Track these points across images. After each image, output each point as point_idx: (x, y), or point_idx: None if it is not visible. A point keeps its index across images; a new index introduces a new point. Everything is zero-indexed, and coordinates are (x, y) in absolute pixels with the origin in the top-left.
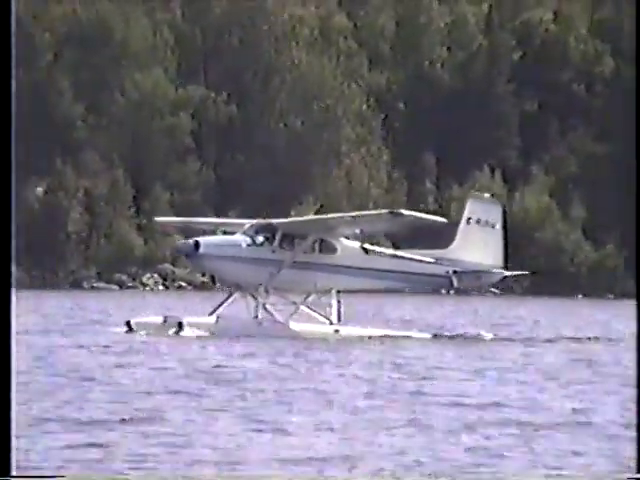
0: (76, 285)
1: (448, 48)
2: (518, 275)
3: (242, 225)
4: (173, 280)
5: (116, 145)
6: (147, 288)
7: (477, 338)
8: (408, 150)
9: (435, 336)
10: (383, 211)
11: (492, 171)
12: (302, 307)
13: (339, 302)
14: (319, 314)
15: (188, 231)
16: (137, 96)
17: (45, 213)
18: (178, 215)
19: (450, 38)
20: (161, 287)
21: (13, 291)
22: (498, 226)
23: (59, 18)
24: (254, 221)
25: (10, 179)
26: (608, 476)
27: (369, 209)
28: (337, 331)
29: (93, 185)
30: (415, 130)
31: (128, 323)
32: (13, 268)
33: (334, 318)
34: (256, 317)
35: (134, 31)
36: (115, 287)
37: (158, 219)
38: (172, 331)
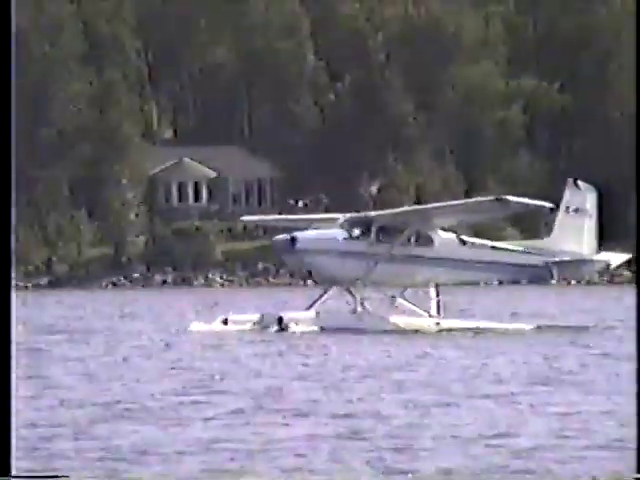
0: None
1: None
2: (622, 263)
3: (334, 220)
4: None
5: (447, 141)
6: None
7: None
8: None
9: (539, 327)
10: (487, 198)
11: None
12: (400, 300)
13: (438, 295)
14: (418, 307)
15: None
16: (467, 90)
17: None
18: None
19: None
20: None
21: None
22: (594, 215)
23: (391, 18)
24: (348, 215)
25: (10, 176)
26: (608, 476)
27: None
28: (438, 324)
29: (425, 182)
30: None
31: (225, 321)
32: None
33: (434, 311)
34: (355, 311)
35: (465, 25)
36: None
37: (244, 218)
38: (275, 328)
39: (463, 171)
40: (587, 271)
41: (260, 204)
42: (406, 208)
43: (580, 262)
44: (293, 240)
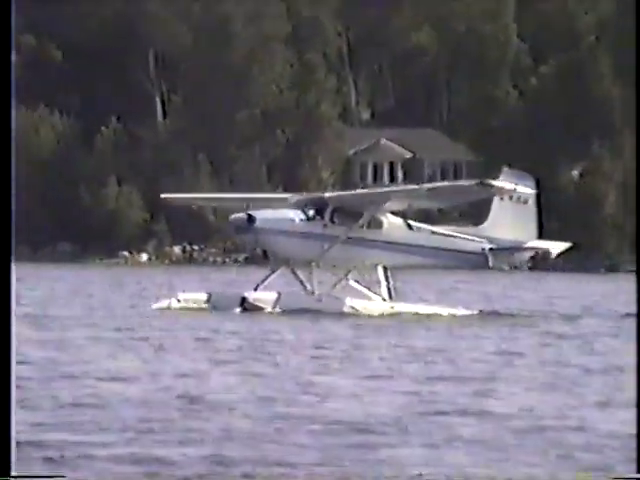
0: (613, 269)
1: None
2: (562, 252)
3: (281, 200)
4: None
5: None
6: None
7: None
8: None
9: (481, 312)
10: (470, 182)
11: None
12: (352, 283)
13: (388, 278)
14: (369, 290)
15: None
16: None
17: (580, 196)
18: None
19: None
20: None
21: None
22: (531, 202)
23: None
24: (290, 195)
25: (10, 166)
26: (607, 476)
27: None
28: (392, 308)
29: (632, 168)
30: None
31: (178, 300)
32: None
33: (385, 295)
34: (313, 293)
35: None
36: None
37: (163, 195)
38: (238, 309)
39: None
40: (521, 258)
41: None
42: (364, 190)
43: (514, 249)
44: (250, 219)
